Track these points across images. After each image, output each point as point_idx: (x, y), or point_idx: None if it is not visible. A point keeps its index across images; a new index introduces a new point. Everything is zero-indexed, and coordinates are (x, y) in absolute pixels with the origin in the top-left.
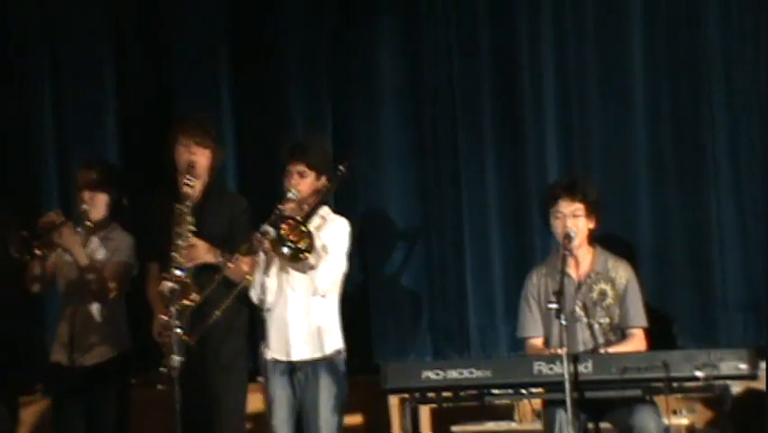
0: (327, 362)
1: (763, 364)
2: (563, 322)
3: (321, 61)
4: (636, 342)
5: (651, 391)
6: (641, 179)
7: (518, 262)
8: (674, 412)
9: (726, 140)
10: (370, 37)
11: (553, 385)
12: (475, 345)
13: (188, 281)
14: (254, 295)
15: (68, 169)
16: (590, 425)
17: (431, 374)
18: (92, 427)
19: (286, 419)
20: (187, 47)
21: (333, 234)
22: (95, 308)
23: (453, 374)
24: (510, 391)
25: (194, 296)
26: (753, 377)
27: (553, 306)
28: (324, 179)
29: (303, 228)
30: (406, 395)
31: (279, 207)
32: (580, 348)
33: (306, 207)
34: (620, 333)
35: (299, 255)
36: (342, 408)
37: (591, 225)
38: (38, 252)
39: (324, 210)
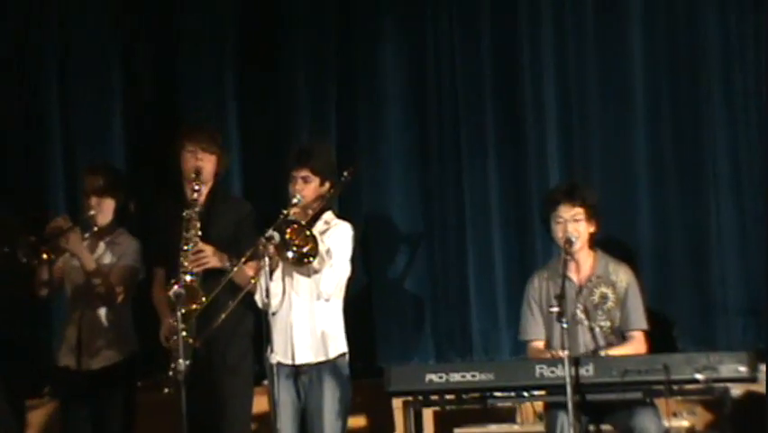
0: (331, 365)
1: (762, 367)
2: (565, 325)
3: (325, 63)
4: (636, 344)
5: (651, 393)
6: (641, 179)
7: (520, 264)
8: (674, 415)
9: (725, 140)
10: (373, 38)
11: (555, 388)
12: (477, 349)
13: (197, 286)
14: (259, 299)
15: (74, 170)
16: (591, 427)
17: (434, 377)
18: (99, 430)
19: (290, 423)
20: (194, 49)
21: (336, 238)
22: (102, 312)
23: (456, 377)
24: (512, 393)
25: (200, 300)
26: (752, 380)
27: (555, 309)
28: (328, 185)
29: (307, 232)
30: (410, 398)
31: (284, 211)
32: (582, 351)
33: (310, 212)
34: (621, 336)
35: (304, 259)
36: (347, 411)
37: (592, 229)
38: (45, 256)
39: (328, 215)
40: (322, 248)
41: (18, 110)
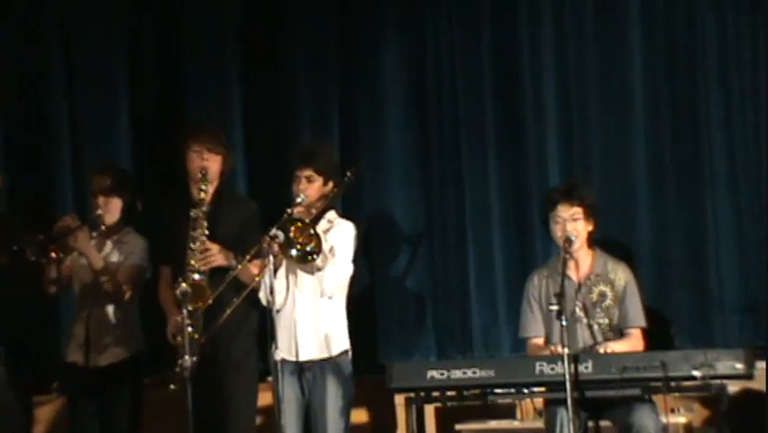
0: (334, 363)
1: (758, 364)
2: (564, 323)
3: (326, 63)
4: (633, 341)
5: (649, 390)
6: (640, 178)
7: (520, 262)
8: (672, 411)
9: (723, 140)
10: (373, 39)
11: (555, 385)
12: (478, 346)
13: (205, 285)
14: (263, 296)
15: (82, 170)
16: (591, 423)
17: (435, 374)
18: (106, 426)
19: (294, 419)
20: (196, 50)
21: (339, 237)
22: (109, 309)
23: (457, 374)
24: (513, 390)
25: (209, 298)
26: (749, 377)
27: (554, 307)
28: (331, 185)
29: (311, 231)
30: (412, 394)
31: (288, 210)
32: (580, 348)
33: (313, 212)
34: (619, 333)
35: (307, 257)
36: (349, 408)
37: (590, 228)
38: (54, 255)
39: (331, 214)
40: (325, 246)
41: (26, 111)
